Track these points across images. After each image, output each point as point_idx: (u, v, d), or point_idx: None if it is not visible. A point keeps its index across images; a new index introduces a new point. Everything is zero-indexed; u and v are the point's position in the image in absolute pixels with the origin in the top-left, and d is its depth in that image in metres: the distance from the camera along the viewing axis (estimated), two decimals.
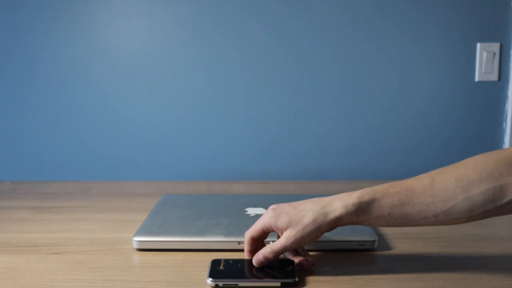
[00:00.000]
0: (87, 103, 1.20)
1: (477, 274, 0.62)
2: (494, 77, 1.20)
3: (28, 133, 1.21)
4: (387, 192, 0.59)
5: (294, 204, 0.62)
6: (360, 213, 0.58)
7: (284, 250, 0.60)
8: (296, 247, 0.62)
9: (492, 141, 1.22)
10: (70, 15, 1.16)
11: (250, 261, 0.63)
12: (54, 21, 1.16)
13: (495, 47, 1.18)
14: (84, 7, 1.16)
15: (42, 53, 1.18)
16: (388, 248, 0.71)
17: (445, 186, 0.57)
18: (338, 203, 0.59)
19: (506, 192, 0.55)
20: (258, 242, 0.64)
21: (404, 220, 0.58)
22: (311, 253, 0.68)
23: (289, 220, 0.60)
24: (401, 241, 0.74)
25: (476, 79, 1.20)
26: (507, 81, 1.20)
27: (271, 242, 0.63)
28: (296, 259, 0.63)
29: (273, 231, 0.62)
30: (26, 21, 1.16)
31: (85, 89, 1.19)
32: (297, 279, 0.59)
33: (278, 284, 0.58)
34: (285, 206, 0.62)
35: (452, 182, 0.57)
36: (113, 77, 1.19)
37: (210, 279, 0.59)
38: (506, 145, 1.21)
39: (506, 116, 1.21)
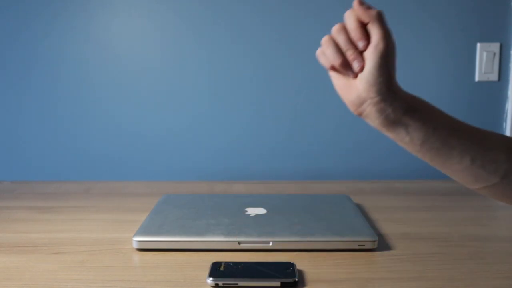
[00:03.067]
0: (87, 103, 1.20)
1: (477, 274, 0.62)
2: (494, 77, 1.20)
3: (28, 133, 1.21)
4: (444, 114, 0.54)
5: None
6: (410, 109, 0.53)
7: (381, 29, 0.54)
8: (376, 68, 0.54)
9: None
10: (68, 14, 1.16)
11: (250, 262, 0.63)
12: (53, 20, 1.16)
13: (495, 47, 1.18)
14: (82, 5, 1.16)
15: (41, 52, 1.18)
16: (388, 248, 0.71)
17: (495, 139, 0.53)
18: (399, 87, 0.55)
19: None
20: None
21: (441, 148, 0.53)
22: (311, 253, 0.68)
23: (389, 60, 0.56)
24: (401, 241, 0.74)
25: (476, 79, 1.20)
26: (507, 81, 1.20)
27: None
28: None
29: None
30: (24, 21, 1.16)
31: (85, 89, 1.19)
32: (297, 279, 0.59)
33: (278, 284, 0.58)
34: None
35: (502, 138, 0.54)
36: (114, 77, 1.19)
37: (210, 278, 0.59)
38: None
39: (506, 116, 1.21)
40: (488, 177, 0.53)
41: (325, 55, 0.56)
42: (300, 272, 0.62)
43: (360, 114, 0.56)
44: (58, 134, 1.21)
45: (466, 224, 0.82)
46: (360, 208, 0.91)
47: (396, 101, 0.53)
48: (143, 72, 1.19)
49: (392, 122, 0.54)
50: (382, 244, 0.72)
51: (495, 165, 0.53)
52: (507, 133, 1.20)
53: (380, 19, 0.54)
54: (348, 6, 1.16)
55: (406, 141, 0.54)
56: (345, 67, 0.55)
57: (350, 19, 0.56)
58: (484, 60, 1.19)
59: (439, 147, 0.53)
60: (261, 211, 0.82)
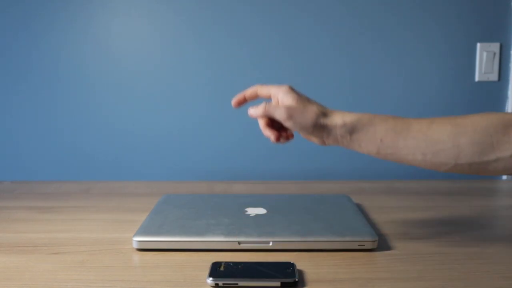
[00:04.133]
0: (87, 103, 1.20)
1: (477, 274, 0.62)
2: (494, 77, 1.20)
3: (28, 133, 1.21)
4: (385, 119, 0.61)
5: (310, 98, 0.67)
6: (354, 130, 0.62)
7: (274, 110, 0.65)
8: (285, 121, 0.64)
9: None
10: (68, 14, 1.16)
11: (250, 262, 0.63)
12: (53, 20, 1.16)
13: (495, 47, 1.18)
14: (82, 5, 1.16)
15: (41, 52, 1.18)
16: (388, 248, 0.71)
17: (439, 129, 0.59)
18: (339, 114, 0.63)
19: (495, 149, 0.57)
20: (252, 98, 0.73)
21: (393, 152, 0.61)
22: (311, 253, 0.68)
23: (297, 100, 0.65)
24: (401, 241, 0.74)
25: (476, 79, 1.20)
26: (507, 81, 1.20)
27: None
28: (267, 126, 0.69)
29: (277, 101, 0.67)
30: (24, 21, 1.16)
31: (85, 89, 1.19)
32: (297, 279, 0.59)
33: (278, 284, 0.58)
34: (302, 93, 0.67)
35: (448, 127, 0.59)
36: (114, 77, 1.19)
37: (210, 278, 0.59)
38: None
39: None
40: (445, 163, 0.59)
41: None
42: (300, 272, 0.62)
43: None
44: (58, 134, 1.21)
45: (466, 224, 0.82)
46: (360, 208, 0.91)
47: (328, 131, 0.63)
48: (143, 72, 1.19)
49: (339, 143, 0.64)
50: (382, 244, 0.72)
51: (444, 153, 0.59)
52: None
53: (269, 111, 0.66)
54: (349, 6, 1.16)
55: (363, 152, 0.64)
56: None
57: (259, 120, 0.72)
58: (484, 60, 1.19)
59: (391, 152, 0.61)
60: (261, 211, 0.82)
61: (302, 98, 0.66)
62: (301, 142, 1.22)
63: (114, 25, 1.17)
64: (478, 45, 1.19)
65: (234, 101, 0.72)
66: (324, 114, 0.64)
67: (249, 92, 0.72)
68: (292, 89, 0.67)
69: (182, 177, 1.23)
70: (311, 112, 0.63)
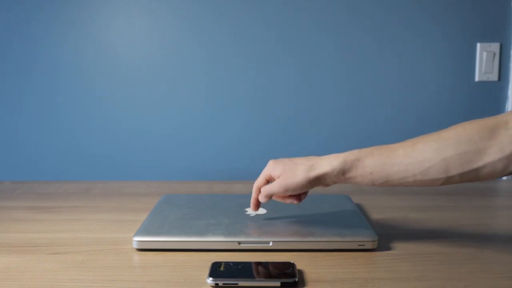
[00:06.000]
0: (87, 103, 1.20)
1: (477, 274, 0.62)
2: (494, 77, 1.20)
3: (28, 133, 1.21)
4: (371, 153, 0.64)
5: (292, 158, 0.71)
6: (345, 171, 0.65)
7: (271, 191, 0.69)
8: (284, 193, 0.69)
9: None
10: (68, 13, 1.16)
11: (250, 262, 0.63)
12: (53, 20, 1.16)
13: (495, 47, 1.18)
14: (82, 5, 1.16)
15: (41, 52, 1.18)
16: (388, 248, 0.71)
17: (424, 148, 0.60)
18: (326, 161, 0.66)
19: (483, 155, 0.57)
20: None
21: (386, 180, 0.63)
22: (311, 253, 0.68)
23: (283, 169, 0.68)
24: (401, 241, 0.74)
25: (476, 79, 1.20)
26: (507, 81, 1.20)
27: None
28: (283, 199, 0.72)
29: (273, 178, 0.71)
30: (24, 21, 1.16)
31: (85, 89, 1.19)
32: (297, 279, 0.59)
33: (278, 284, 0.58)
34: (284, 159, 0.71)
35: (432, 144, 0.60)
36: (113, 77, 1.19)
37: (210, 278, 0.59)
38: None
39: None
40: (437, 178, 0.60)
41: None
42: (300, 272, 0.62)
43: None
44: (58, 134, 1.21)
45: (466, 224, 0.82)
46: (360, 208, 0.91)
47: (323, 179, 0.67)
48: (143, 72, 1.19)
49: (338, 182, 0.67)
50: (382, 244, 0.72)
51: (433, 169, 0.60)
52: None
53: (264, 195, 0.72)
54: (348, 6, 1.16)
55: (360, 185, 0.69)
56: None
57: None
58: (484, 60, 1.19)
59: (384, 181, 0.63)
60: (261, 211, 0.82)
61: (287, 165, 0.69)
62: (301, 141, 1.22)
63: (114, 25, 1.17)
64: (478, 45, 1.19)
65: (253, 207, 0.75)
66: (312, 167, 0.67)
67: (255, 193, 0.74)
68: (275, 162, 0.71)
69: (182, 177, 1.23)
70: (300, 174, 0.67)
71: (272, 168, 0.71)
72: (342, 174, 0.65)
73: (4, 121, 1.21)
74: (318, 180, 0.67)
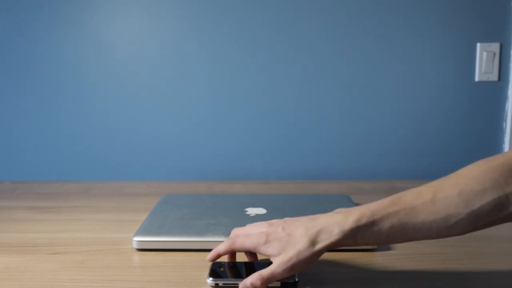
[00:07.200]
0: (87, 103, 1.20)
1: (477, 274, 0.62)
2: (494, 77, 1.20)
3: (28, 133, 1.21)
4: (386, 213, 0.55)
5: (287, 228, 0.58)
6: (358, 237, 0.56)
7: (273, 277, 0.56)
8: (288, 275, 0.57)
9: (492, 141, 1.22)
10: (68, 13, 1.16)
11: (250, 262, 0.63)
12: (53, 20, 1.16)
13: (495, 47, 1.18)
14: (82, 5, 1.16)
15: (41, 52, 1.18)
16: (388, 248, 0.71)
17: (447, 202, 0.54)
18: (336, 228, 0.55)
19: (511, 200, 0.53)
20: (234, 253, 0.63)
21: (404, 239, 0.56)
22: None
23: (281, 246, 0.56)
24: None
25: (476, 79, 1.20)
26: (507, 81, 1.20)
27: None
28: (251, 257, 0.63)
29: (262, 254, 0.59)
30: (24, 21, 1.16)
31: (85, 89, 1.19)
32: (297, 279, 0.59)
33: (278, 284, 0.58)
34: (279, 231, 0.58)
35: (455, 196, 0.54)
36: (114, 77, 1.19)
37: (210, 278, 0.59)
38: (506, 145, 1.21)
39: (506, 116, 1.21)
40: (463, 231, 0.55)
41: None
42: (300, 272, 0.62)
43: None
44: (58, 134, 1.21)
45: None
46: None
47: (331, 248, 0.56)
48: (143, 72, 1.19)
49: (350, 246, 0.58)
50: None
51: (460, 224, 0.54)
52: (507, 133, 1.20)
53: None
54: (348, 6, 1.16)
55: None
56: None
57: None
58: (484, 60, 1.19)
59: (402, 240, 0.56)
60: (261, 211, 0.82)
61: (283, 240, 0.57)
62: (301, 142, 1.23)
63: (114, 25, 1.17)
64: (478, 45, 1.19)
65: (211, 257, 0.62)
66: (313, 243, 0.56)
67: (215, 256, 0.62)
68: (266, 235, 0.58)
69: (182, 177, 1.23)
70: (303, 253, 0.55)
71: (262, 244, 0.57)
72: (353, 239, 0.56)
73: (4, 121, 1.21)
74: (323, 251, 0.56)
